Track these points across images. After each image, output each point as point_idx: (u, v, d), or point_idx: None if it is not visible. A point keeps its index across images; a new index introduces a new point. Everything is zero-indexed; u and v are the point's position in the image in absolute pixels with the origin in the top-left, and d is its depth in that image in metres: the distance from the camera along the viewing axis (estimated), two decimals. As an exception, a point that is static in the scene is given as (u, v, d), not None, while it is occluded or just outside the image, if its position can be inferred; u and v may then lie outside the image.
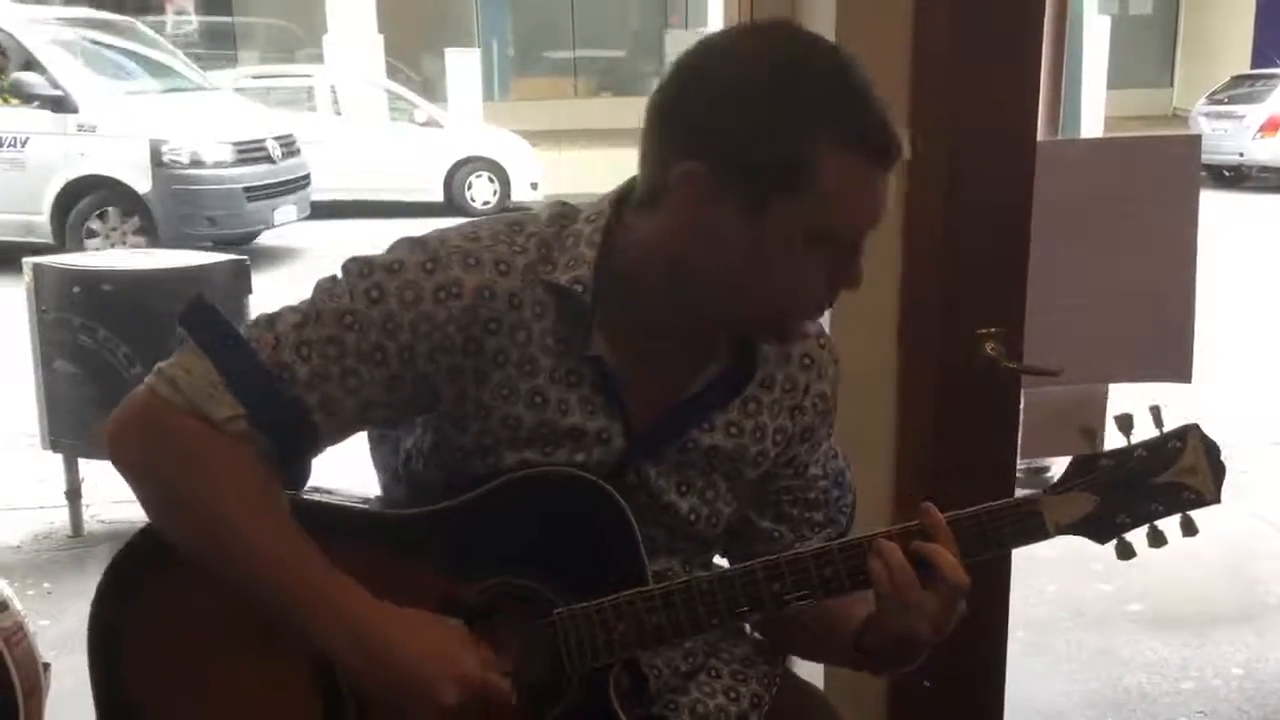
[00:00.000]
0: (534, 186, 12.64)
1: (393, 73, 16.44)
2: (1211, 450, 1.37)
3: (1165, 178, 2.09)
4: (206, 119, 10.21)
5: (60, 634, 3.21)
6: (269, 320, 1.30)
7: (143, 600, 1.36)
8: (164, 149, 9.58)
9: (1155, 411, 1.38)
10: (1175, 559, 4.14)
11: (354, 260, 1.32)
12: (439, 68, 17.78)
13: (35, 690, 2.15)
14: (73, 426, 4.10)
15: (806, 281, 1.27)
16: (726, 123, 1.23)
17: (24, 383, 4.34)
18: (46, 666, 2.21)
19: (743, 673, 1.50)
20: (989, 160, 1.95)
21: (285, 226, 10.54)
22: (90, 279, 4.08)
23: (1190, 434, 1.37)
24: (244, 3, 20.39)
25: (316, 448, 1.32)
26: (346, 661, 1.27)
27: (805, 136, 1.21)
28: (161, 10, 19.98)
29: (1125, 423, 1.36)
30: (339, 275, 1.32)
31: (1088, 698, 3.30)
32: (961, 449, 1.99)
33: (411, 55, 18.83)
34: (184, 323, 1.29)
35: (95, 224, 9.59)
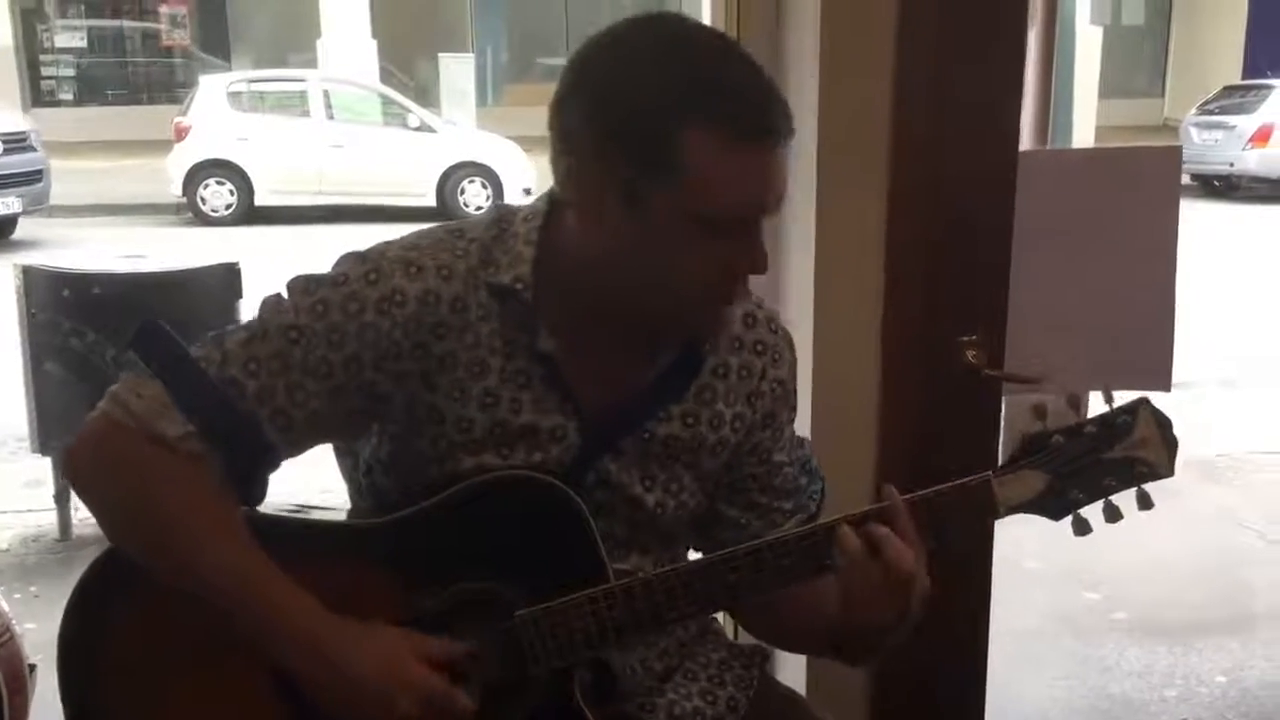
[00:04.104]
0: (527, 192, 12.60)
1: (386, 77, 16.45)
2: (1163, 423, 1.36)
3: (1146, 189, 2.10)
4: None
5: (46, 637, 3.18)
6: (217, 339, 1.31)
7: (111, 616, 1.37)
8: None
9: (1105, 390, 1.38)
10: (1160, 567, 4.15)
11: (298, 277, 1.33)
12: (433, 72, 17.78)
13: (20, 691, 2.15)
14: (62, 430, 4.08)
15: (702, 270, 1.27)
16: (595, 117, 1.24)
17: (13, 386, 4.33)
18: (33, 668, 2.21)
19: (719, 676, 1.51)
20: (971, 169, 1.96)
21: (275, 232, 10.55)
22: (80, 282, 4.06)
23: (1141, 408, 1.36)
24: (238, 6, 20.38)
25: (271, 463, 1.33)
26: (303, 676, 1.28)
27: (666, 122, 1.21)
28: (156, 14, 19.97)
29: (1074, 401, 1.35)
30: (284, 293, 1.33)
31: (1073, 705, 3.32)
32: (942, 456, 1.98)
33: (405, 60, 18.83)
34: (133, 346, 1.30)
35: None
